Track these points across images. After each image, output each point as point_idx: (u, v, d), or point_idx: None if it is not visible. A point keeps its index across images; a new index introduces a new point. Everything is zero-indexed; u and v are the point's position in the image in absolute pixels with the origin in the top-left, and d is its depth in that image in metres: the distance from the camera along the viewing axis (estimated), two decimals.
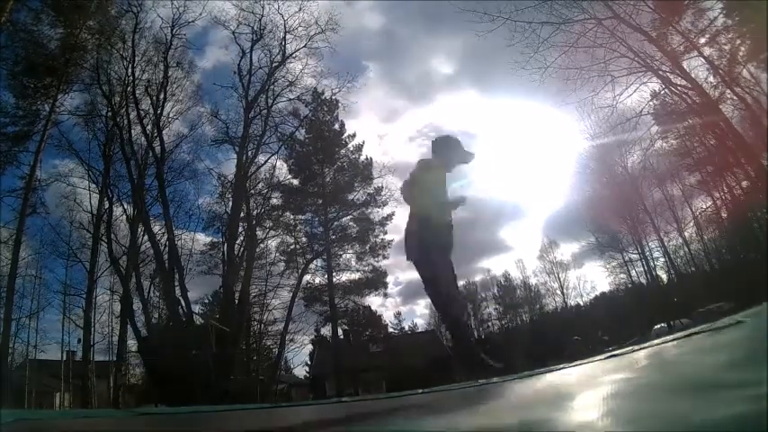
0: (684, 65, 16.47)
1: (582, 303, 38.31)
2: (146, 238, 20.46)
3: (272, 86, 23.17)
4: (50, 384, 20.12)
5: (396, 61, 47.03)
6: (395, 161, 49.40)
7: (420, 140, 51.36)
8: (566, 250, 50.42)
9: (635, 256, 27.83)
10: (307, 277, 25.35)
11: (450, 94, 47.55)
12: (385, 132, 57.61)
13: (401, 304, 53.00)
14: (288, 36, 22.80)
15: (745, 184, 20.30)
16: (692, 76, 16.43)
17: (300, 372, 34.71)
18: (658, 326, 22.41)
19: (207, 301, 26.77)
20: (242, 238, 22.35)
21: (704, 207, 24.50)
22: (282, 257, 25.51)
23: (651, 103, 17.84)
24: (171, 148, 21.98)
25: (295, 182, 26.38)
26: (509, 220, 62.13)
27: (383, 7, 39.83)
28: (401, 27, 45.58)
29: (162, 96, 21.39)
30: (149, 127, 21.41)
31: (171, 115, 22.35)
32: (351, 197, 27.06)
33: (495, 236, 53.86)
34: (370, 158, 27.37)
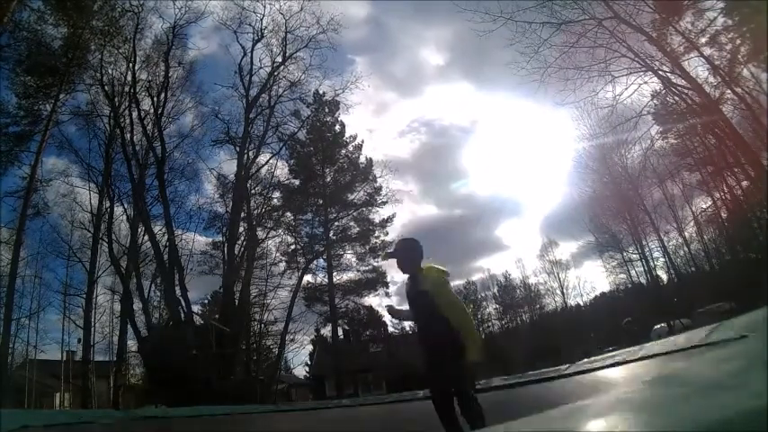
0: (684, 65, 16.48)
1: (582, 303, 38.21)
2: (146, 238, 20.50)
3: (273, 86, 23.25)
4: (50, 384, 20.11)
5: (383, 52, 45.99)
6: (387, 157, 48.75)
7: (411, 135, 50.75)
8: (565, 250, 50.37)
9: (635, 256, 27.77)
10: (307, 277, 25.40)
11: (443, 86, 46.59)
12: (374, 127, 56.11)
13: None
14: (289, 36, 22.86)
15: (745, 184, 20.30)
16: (692, 76, 16.43)
17: (300, 372, 34.71)
18: (658, 326, 22.37)
19: (207, 301, 26.80)
20: (242, 238, 22.39)
21: (704, 207, 24.49)
22: (283, 257, 25.55)
23: (651, 102, 17.86)
24: (171, 148, 22.05)
25: (296, 182, 26.43)
26: (507, 218, 61.91)
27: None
28: (388, 16, 44.50)
29: (163, 96, 21.45)
30: (150, 127, 21.47)
31: (172, 115, 22.42)
32: (351, 197, 27.10)
33: (492, 234, 53.64)
34: (370, 159, 27.44)
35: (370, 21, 43.78)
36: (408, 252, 3.27)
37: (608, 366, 6.77)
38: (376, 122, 49.99)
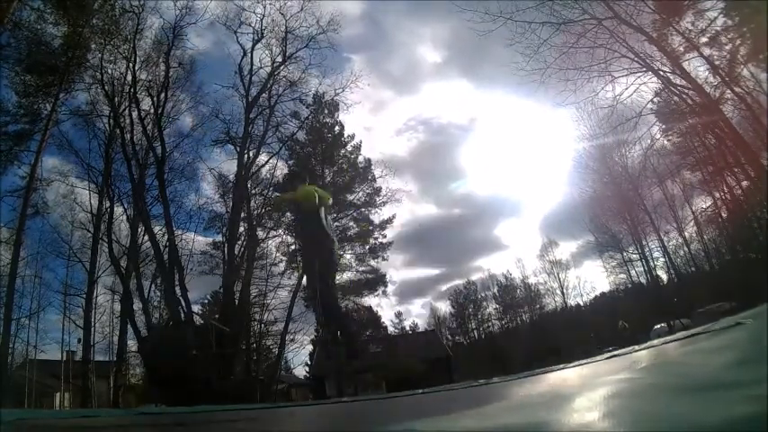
0: (684, 65, 16.48)
1: (582, 303, 38.26)
2: (146, 238, 20.49)
3: (272, 86, 23.25)
4: (50, 384, 20.09)
5: (380, 49, 45.40)
6: (384, 155, 48.53)
7: (409, 134, 50.48)
8: (565, 250, 50.38)
9: (635, 256, 27.78)
10: None
11: (440, 84, 46.27)
12: (372, 125, 55.46)
13: (396, 304, 52.86)
14: (289, 36, 22.87)
15: (745, 184, 20.30)
16: (692, 76, 16.43)
17: (300, 372, 34.71)
18: (658, 326, 22.38)
19: (207, 301, 26.78)
20: (242, 238, 22.37)
21: (704, 207, 24.51)
22: (283, 257, 25.51)
23: (651, 102, 17.86)
24: (171, 148, 22.03)
25: (296, 182, 26.31)
26: (506, 217, 61.98)
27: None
28: (384, 14, 44.14)
29: (163, 96, 21.44)
30: (150, 127, 21.46)
31: (172, 115, 22.41)
32: (351, 198, 27.07)
33: (491, 234, 53.71)
34: (369, 159, 27.44)
35: (365, 18, 43.43)
36: None
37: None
38: (373, 120, 49.90)
